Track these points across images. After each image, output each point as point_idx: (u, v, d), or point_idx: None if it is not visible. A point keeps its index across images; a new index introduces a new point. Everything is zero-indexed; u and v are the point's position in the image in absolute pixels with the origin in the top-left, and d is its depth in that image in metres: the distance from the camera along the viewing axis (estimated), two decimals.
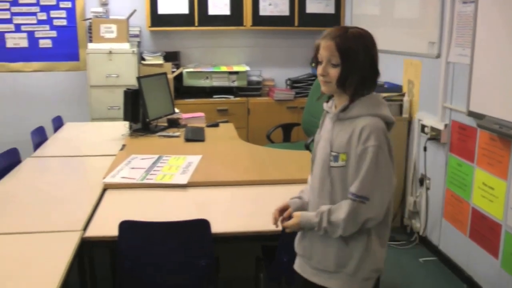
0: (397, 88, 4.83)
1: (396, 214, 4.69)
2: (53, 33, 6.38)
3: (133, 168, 3.35)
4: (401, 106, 4.67)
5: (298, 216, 2.02)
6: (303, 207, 2.16)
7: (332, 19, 6.30)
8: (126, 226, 2.33)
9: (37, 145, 4.34)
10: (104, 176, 3.19)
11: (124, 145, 4.01)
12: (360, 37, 1.90)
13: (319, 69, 1.93)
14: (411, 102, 4.64)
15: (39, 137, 4.52)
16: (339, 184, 1.94)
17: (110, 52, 5.71)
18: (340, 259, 1.96)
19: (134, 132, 4.36)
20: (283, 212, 2.16)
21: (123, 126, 4.47)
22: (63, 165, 3.73)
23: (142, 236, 2.41)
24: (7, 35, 6.36)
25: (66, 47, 6.40)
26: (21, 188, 3.21)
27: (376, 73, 1.95)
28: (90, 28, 6.01)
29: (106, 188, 3.06)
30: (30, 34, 6.39)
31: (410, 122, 4.67)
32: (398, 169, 4.64)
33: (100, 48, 5.75)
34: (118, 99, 4.92)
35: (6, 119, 6.44)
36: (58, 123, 5.08)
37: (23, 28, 6.35)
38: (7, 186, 3.24)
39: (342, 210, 1.88)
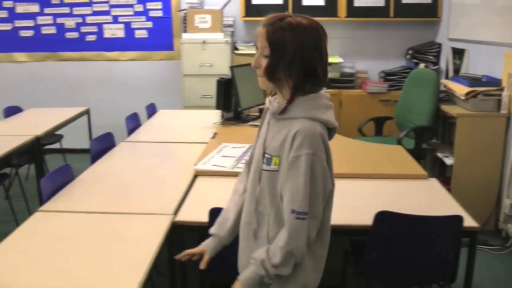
0: (495, 82, 4.56)
1: (489, 217, 4.44)
2: (149, 24, 6.54)
3: (224, 156, 3.36)
4: (499, 101, 4.40)
5: (238, 286, 1.75)
6: (221, 244, 2.00)
7: (429, 9, 6.05)
8: (216, 213, 2.32)
9: (131, 130, 4.46)
10: (196, 162, 3.22)
11: (215, 133, 4.03)
12: (296, 28, 1.65)
13: (253, 61, 1.74)
14: (511, 97, 4.36)
15: (133, 123, 4.63)
16: (268, 190, 1.75)
17: (204, 42, 5.77)
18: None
19: (226, 121, 4.39)
20: (194, 256, 2.01)
21: (215, 115, 4.50)
22: (155, 151, 3.81)
23: None
24: (105, 26, 6.60)
25: (161, 37, 6.54)
26: (115, 170, 3.31)
27: (314, 70, 1.69)
28: (185, 19, 6.11)
29: (197, 174, 3.08)
30: (127, 25, 6.59)
31: (509, 118, 4.40)
32: (494, 169, 4.40)
33: (194, 38, 5.83)
34: (210, 88, 4.96)
35: (102, 105, 6.67)
36: (151, 110, 5.20)
37: (120, 19, 6.56)
38: (102, 168, 3.36)
39: (280, 240, 1.69)
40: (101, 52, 6.63)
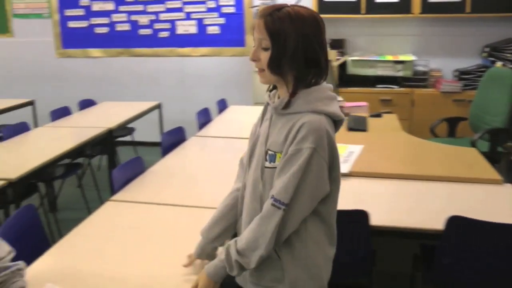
0: None
1: None
2: (221, 20, 6.58)
3: None
4: None
5: (202, 273, 1.74)
6: (211, 245, 1.92)
7: (509, 4, 5.79)
8: None
9: (201, 125, 4.51)
10: None
11: None
12: (295, 17, 1.57)
13: (250, 54, 1.65)
14: None
15: (204, 118, 4.69)
16: (271, 187, 1.65)
17: None
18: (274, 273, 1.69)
19: None
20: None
21: None
22: (225, 146, 3.84)
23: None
24: (177, 22, 6.69)
25: (233, 33, 6.57)
26: (185, 164, 3.37)
27: (317, 61, 1.61)
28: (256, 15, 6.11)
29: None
30: (199, 22, 6.66)
31: None
32: None
33: None
34: None
35: (174, 99, 6.78)
36: (222, 105, 5.25)
37: (192, 16, 6.64)
38: (172, 161, 3.42)
39: (250, 228, 1.63)
40: (174, 48, 6.74)
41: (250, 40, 6.01)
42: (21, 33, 7.50)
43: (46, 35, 7.28)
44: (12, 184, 3.17)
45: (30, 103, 6.48)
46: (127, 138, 5.87)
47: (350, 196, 2.70)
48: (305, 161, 1.55)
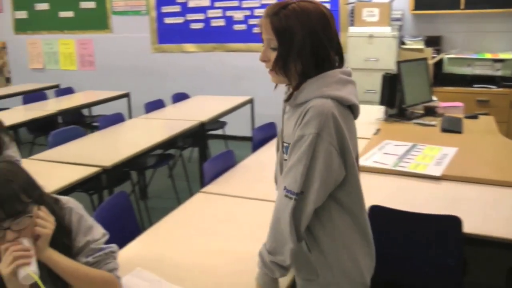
0: None
1: None
2: None
3: (386, 153, 3.23)
4: None
5: (255, 284, 1.72)
6: None
7: None
8: (376, 211, 2.23)
9: None
10: None
11: (378, 130, 3.91)
12: (301, 13, 1.52)
13: (260, 54, 1.60)
14: None
15: None
16: None
17: (371, 36, 5.63)
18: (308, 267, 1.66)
19: (389, 118, 4.23)
20: None
21: (378, 110, 4.37)
22: None
23: (390, 224, 2.29)
24: None
25: None
26: (274, 160, 3.32)
27: (327, 56, 1.57)
28: (352, 12, 6.00)
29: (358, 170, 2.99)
30: None
31: None
32: None
33: (361, 31, 5.71)
34: (375, 83, 4.83)
35: (266, 95, 6.69)
36: None
37: None
38: (263, 156, 3.41)
39: (270, 226, 1.62)
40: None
41: (345, 37, 5.92)
42: (119, 29, 7.79)
43: (143, 31, 7.52)
44: (106, 171, 3.26)
45: (126, 95, 6.71)
46: (219, 132, 5.93)
47: (442, 200, 2.57)
48: (309, 148, 1.51)
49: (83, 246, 1.68)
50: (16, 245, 1.48)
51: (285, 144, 1.63)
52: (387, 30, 5.65)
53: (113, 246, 1.75)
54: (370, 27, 5.70)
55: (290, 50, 1.53)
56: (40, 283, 1.47)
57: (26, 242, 1.51)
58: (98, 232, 1.74)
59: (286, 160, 1.61)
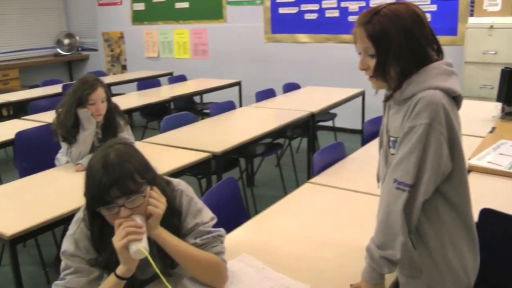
0: None
1: None
2: (433, 7, 6.27)
3: (501, 154, 3.05)
4: None
5: (361, 280, 1.66)
6: None
7: None
8: (488, 215, 2.10)
9: None
10: (470, 157, 2.98)
11: (493, 128, 3.69)
12: (394, 17, 1.52)
13: (358, 64, 1.60)
14: None
15: None
16: None
17: (491, 27, 5.33)
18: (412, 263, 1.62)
19: (506, 116, 3.99)
20: None
21: (494, 107, 4.13)
22: None
23: (503, 229, 2.14)
24: None
25: (445, 21, 6.21)
26: None
27: (425, 55, 1.55)
28: (472, 2, 5.71)
29: (470, 170, 2.85)
30: None
31: None
32: None
33: (481, 22, 5.41)
34: (492, 77, 4.58)
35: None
36: None
37: None
38: (373, 150, 3.31)
39: (380, 220, 1.58)
40: None
41: (463, 28, 5.67)
42: (234, 19, 7.93)
43: (257, 20, 7.59)
44: (216, 157, 3.33)
45: (237, 83, 6.81)
46: (328, 123, 5.88)
47: None
48: (421, 138, 1.49)
49: (192, 227, 1.75)
50: (129, 221, 1.58)
51: (391, 139, 1.62)
52: (509, 20, 5.31)
53: (221, 230, 1.81)
54: (491, 17, 5.39)
55: (388, 54, 1.54)
56: (149, 258, 1.55)
57: (138, 220, 1.60)
58: (207, 215, 1.80)
59: (393, 154, 1.60)
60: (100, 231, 1.67)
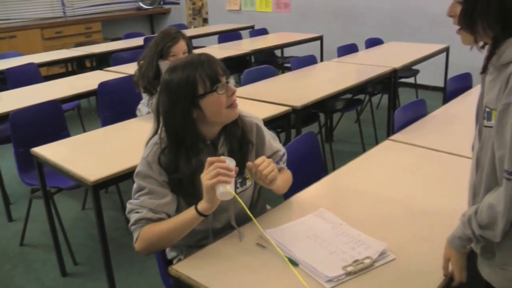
0: None
1: None
2: None
3: None
4: None
5: (448, 248, 1.55)
6: None
7: None
8: None
9: None
10: None
11: None
12: None
13: (447, 9, 1.47)
14: None
15: None
16: (487, 146, 1.43)
17: None
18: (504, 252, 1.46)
19: None
20: None
21: None
22: None
23: None
24: None
25: None
26: (468, 113, 3.10)
27: None
28: None
29: None
30: None
31: None
32: None
33: None
34: None
35: (461, 44, 6.34)
36: None
37: None
38: (455, 108, 3.27)
39: (491, 198, 1.39)
40: None
41: None
42: None
43: None
44: (296, 111, 3.33)
45: (319, 37, 6.72)
46: (410, 80, 5.74)
47: None
48: None
49: (275, 151, 2.01)
50: (222, 163, 1.62)
51: (487, 109, 1.45)
52: None
53: (284, 149, 2.06)
54: None
55: (476, 4, 1.38)
56: (238, 198, 1.61)
57: (230, 163, 1.65)
58: (277, 141, 2.06)
59: (486, 126, 1.47)
60: (176, 153, 1.76)
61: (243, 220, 1.84)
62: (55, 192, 3.07)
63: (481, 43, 1.49)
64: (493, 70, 1.45)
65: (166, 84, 1.74)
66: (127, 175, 2.42)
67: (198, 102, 1.72)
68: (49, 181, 2.92)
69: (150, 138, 1.84)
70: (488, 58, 1.42)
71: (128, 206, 1.77)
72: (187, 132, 1.74)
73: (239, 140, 1.86)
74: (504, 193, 1.37)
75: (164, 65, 3.07)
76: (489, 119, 1.44)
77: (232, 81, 1.80)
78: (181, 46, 3.09)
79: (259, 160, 1.74)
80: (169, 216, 1.76)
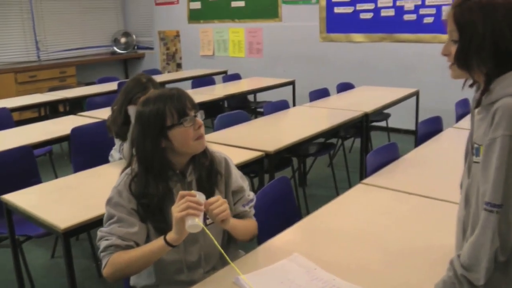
0: None
1: None
2: None
3: None
4: None
5: None
6: None
7: None
8: None
9: (460, 116, 4.26)
10: None
11: None
12: (486, 7, 1.41)
13: (442, 48, 1.53)
14: None
15: (463, 109, 4.41)
16: (475, 183, 1.47)
17: None
18: None
19: None
20: None
21: None
22: None
23: None
24: (444, 8, 6.39)
25: None
26: (439, 156, 3.20)
27: (508, 46, 1.40)
28: None
29: None
30: None
31: None
32: None
33: None
34: None
35: (433, 88, 6.46)
36: None
37: None
38: (426, 151, 3.29)
39: (470, 240, 1.43)
40: (437, 35, 6.45)
41: None
42: (289, 18, 7.95)
43: (312, 20, 7.59)
44: (269, 156, 3.34)
45: (291, 83, 6.81)
46: (382, 124, 5.82)
47: None
48: (503, 152, 1.36)
49: (239, 189, 2.05)
50: (192, 197, 1.71)
51: (475, 145, 1.51)
52: None
53: (253, 195, 2.11)
54: None
55: (470, 44, 1.44)
56: (207, 231, 1.70)
57: (200, 197, 1.74)
58: (246, 181, 2.10)
59: (474, 162, 1.51)
60: (145, 180, 1.86)
61: (215, 257, 1.98)
62: (23, 241, 3.01)
63: (470, 81, 1.57)
64: (482, 109, 1.51)
65: (138, 115, 1.88)
66: (98, 222, 2.37)
67: (166, 133, 1.84)
68: (18, 229, 2.85)
69: (124, 169, 1.94)
70: (482, 93, 1.48)
71: (99, 233, 1.85)
72: (155, 160, 1.86)
73: (207, 169, 1.96)
74: (482, 226, 1.39)
75: (132, 109, 3.07)
76: (477, 155, 1.49)
77: (200, 115, 1.89)
78: None
79: (212, 199, 1.79)
80: (137, 244, 1.84)
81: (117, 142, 3.21)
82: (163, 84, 5.50)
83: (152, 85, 3.14)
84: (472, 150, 1.54)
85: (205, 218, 1.78)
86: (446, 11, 1.52)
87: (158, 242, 1.77)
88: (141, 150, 1.87)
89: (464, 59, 1.47)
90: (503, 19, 1.42)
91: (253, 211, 2.09)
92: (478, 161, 1.47)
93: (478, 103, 1.52)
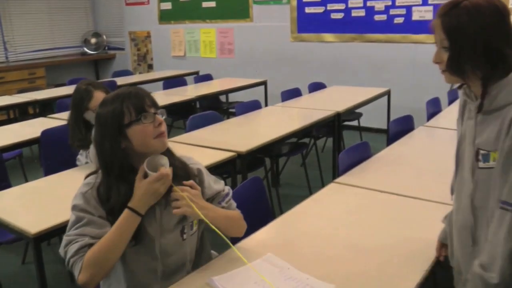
0: None
1: None
2: None
3: None
4: None
5: None
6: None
7: None
8: None
9: (431, 115, 4.31)
10: None
11: None
12: (472, 11, 1.45)
13: (433, 56, 1.55)
14: None
15: (434, 108, 4.47)
16: (485, 187, 1.51)
17: None
18: None
19: None
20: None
21: None
22: (455, 139, 3.60)
23: None
24: (414, 8, 6.46)
25: None
26: (411, 154, 3.24)
27: (502, 56, 1.45)
28: None
29: None
30: (436, 7, 6.33)
31: None
32: None
33: None
34: None
35: (404, 87, 6.55)
36: (453, 95, 4.95)
37: (430, 1, 6.34)
38: (398, 150, 3.32)
39: (489, 239, 1.47)
40: (408, 35, 6.52)
41: None
42: (260, 18, 7.94)
43: (283, 20, 7.60)
44: (241, 157, 3.34)
45: (263, 83, 6.82)
46: (354, 123, 5.86)
47: None
48: None
49: (215, 193, 1.99)
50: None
51: (482, 152, 1.53)
52: None
53: (229, 189, 2.05)
54: None
55: (462, 50, 1.48)
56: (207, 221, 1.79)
57: (164, 161, 1.81)
58: (219, 181, 2.05)
59: (481, 168, 1.53)
60: (107, 183, 1.78)
61: (189, 264, 1.92)
62: None
63: (457, 84, 1.61)
64: (484, 114, 1.53)
65: (97, 117, 1.81)
66: None
67: (125, 132, 1.76)
68: None
69: (89, 175, 1.86)
70: (482, 97, 1.50)
71: (65, 238, 1.73)
72: (115, 162, 1.77)
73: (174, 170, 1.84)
74: (497, 224, 1.43)
75: (89, 115, 3.04)
76: (485, 160, 1.50)
77: (161, 113, 1.85)
78: (98, 97, 3.04)
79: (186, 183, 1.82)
80: None
81: (82, 152, 3.18)
82: (135, 84, 5.45)
83: (93, 87, 3.13)
84: (477, 156, 1.54)
85: (170, 190, 1.79)
86: (433, 21, 1.54)
87: (123, 215, 1.72)
88: (101, 151, 1.79)
89: (457, 65, 1.51)
90: (491, 20, 1.45)
91: (233, 204, 2.03)
92: (486, 167, 1.50)
93: (479, 108, 1.53)
